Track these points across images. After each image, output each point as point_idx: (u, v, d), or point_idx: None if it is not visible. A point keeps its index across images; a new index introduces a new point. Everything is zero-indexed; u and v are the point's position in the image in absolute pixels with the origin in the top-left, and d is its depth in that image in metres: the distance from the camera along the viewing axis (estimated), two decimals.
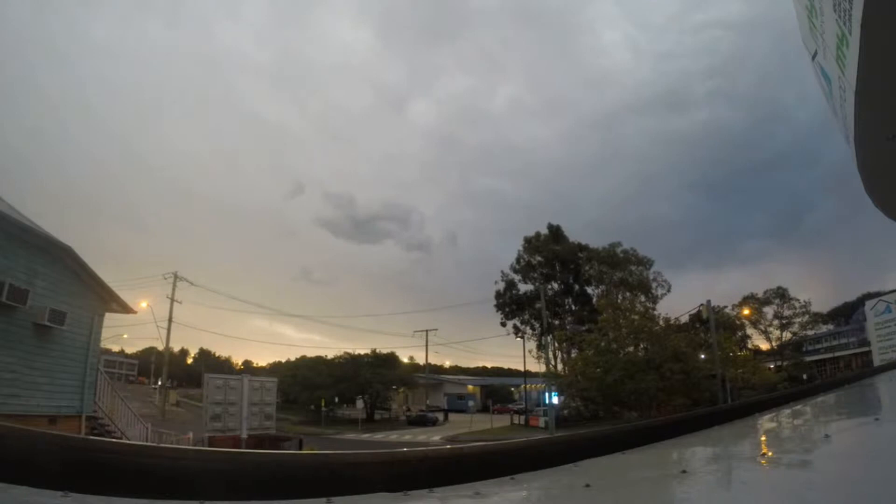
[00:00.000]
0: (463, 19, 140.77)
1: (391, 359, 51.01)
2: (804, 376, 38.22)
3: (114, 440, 6.45)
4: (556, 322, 45.33)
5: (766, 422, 2.20)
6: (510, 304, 48.42)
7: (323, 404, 42.78)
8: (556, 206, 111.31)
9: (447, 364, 72.10)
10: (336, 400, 44.70)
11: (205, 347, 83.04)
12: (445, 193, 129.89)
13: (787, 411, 2.39)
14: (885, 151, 3.29)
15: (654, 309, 38.42)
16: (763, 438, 1.94)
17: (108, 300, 16.17)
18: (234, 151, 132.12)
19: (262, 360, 78.95)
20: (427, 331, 53.78)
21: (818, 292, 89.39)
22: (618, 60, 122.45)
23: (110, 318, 17.20)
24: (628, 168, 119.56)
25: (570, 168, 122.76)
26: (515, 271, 48.87)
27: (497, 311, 48.65)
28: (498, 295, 48.83)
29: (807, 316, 44.65)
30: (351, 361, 48.18)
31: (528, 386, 46.34)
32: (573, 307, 47.99)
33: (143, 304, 35.50)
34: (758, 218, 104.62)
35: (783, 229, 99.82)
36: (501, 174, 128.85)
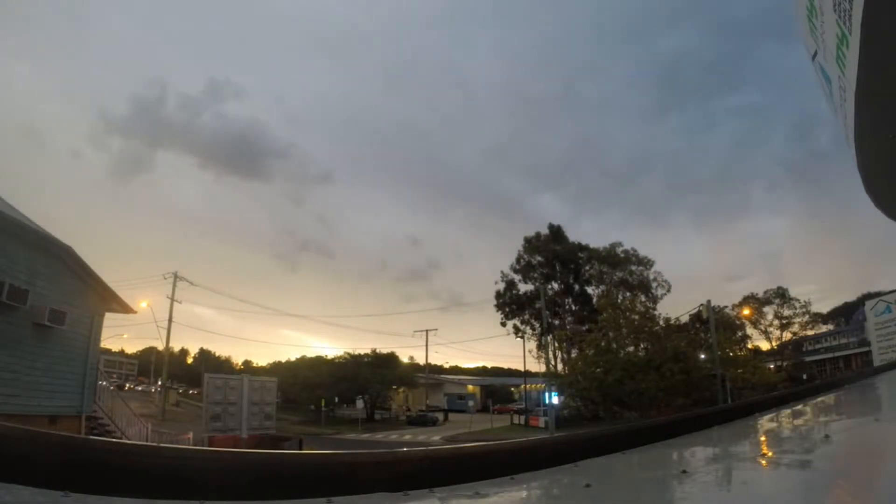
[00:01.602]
0: None
1: (391, 359, 51.01)
2: (804, 376, 38.22)
3: (114, 440, 6.46)
4: (556, 322, 45.32)
5: (766, 422, 2.20)
6: (510, 304, 48.41)
7: (323, 404, 42.77)
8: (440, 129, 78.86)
9: (447, 364, 72.11)
10: (336, 400, 44.70)
11: (205, 347, 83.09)
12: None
13: (787, 411, 2.39)
14: (885, 151, 3.29)
15: (654, 309, 38.39)
16: (763, 438, 1.94)
17: (108, 300, 16.17)
18: None
19: (262, 360, 78.91)
20: (427, 331, 53.81)
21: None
22: None
23: (110, 318, 17.23)
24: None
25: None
26: (515, 271, 48.90)
27: (497, 311, 48.71)
28: (498, 295, 48.87)
29: (807, 316, 44.71)
30: (351, 361, 48.20)
31: (528, 386, 46.32)
32: (573, 307, 47.98)
33: (144, 304, 35.49)
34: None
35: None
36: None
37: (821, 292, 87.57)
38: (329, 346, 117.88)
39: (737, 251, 79.56)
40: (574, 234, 50.54)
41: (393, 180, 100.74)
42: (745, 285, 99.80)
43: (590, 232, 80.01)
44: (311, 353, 60.38)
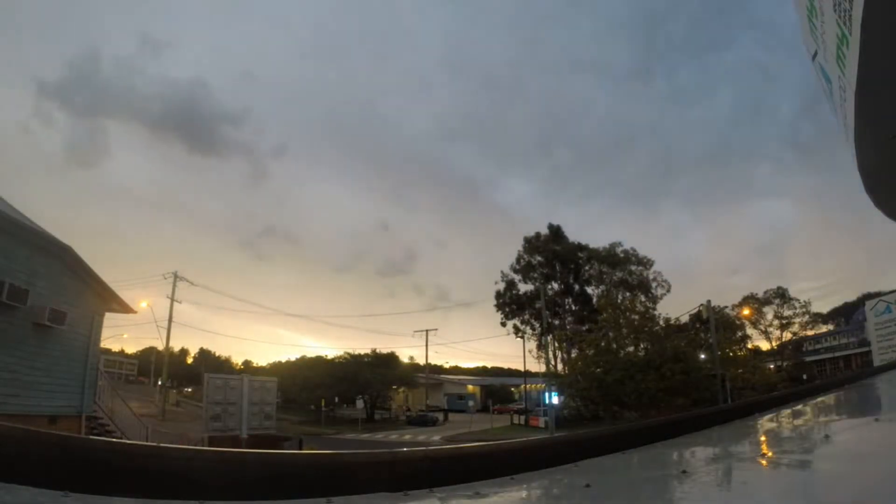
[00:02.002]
0: None
1: (391, 359, 51.02)
2: (804, 376, 38.23)
3: (114, 440, 6.45)
4: (556, 322, 45.33)
5: (766, 422, 2.20)
6: (510, 304, 48.43)
7: (323, 404, 42.80)
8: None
9: (447, 364, 72.07)
10: (336, 400, 44.71)
11: (205, 347, 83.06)
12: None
13: (787, 411, 2.39)
14: (886, 151, 3.29)
15: (654, 309, 38.41)
16: (763, 438, 1.94)
17: (109, 300, 16.17)
18: None
19: (262, 360, 78.80)
20: (427, 331, 53.79)
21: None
22: None
23: (110, 318, 17.22)
24: None
25: None
26: (515, 271, 48.92)
27: (497, 310, 48.74)
28: (498, 295, 48.88)
29: (807, 316, 44.73)
30: (351, 361, 48.21)
31: (528, 386, 46.32)
32: (573, 307, 47.99)
33: (144, 304, 35.45)
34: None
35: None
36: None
37: (821, 289, 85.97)
38: (323, 345, 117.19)
39: (735, 242, 77.11)
40: (558, 220, 49.05)
41: (355, 167, 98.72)
42: (743, 279, 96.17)
43: (574, 216, 74.84)
44: (310, 353, 60.43)
